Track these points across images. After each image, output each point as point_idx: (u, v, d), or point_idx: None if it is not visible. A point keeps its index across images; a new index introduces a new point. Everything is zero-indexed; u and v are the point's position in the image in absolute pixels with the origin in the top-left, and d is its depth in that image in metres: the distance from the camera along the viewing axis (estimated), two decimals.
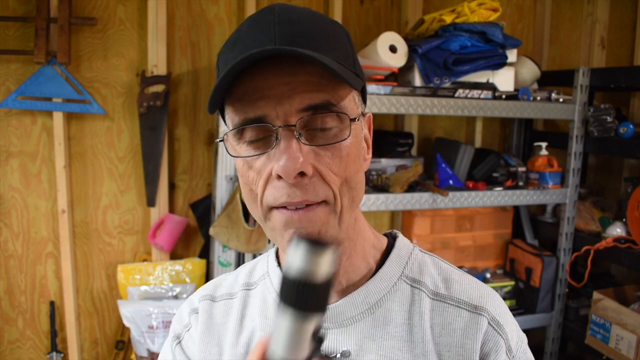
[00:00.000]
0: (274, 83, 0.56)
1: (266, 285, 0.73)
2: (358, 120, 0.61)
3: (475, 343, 0.63)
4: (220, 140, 0.62)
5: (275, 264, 0.73)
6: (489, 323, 0.65)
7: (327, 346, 0.66)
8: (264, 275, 0.75)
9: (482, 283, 0.71)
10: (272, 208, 0.59)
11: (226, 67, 0.57)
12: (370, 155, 0.68)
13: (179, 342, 0.77)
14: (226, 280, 0.79)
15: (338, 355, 0.65)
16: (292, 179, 0.55)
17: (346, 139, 0.58)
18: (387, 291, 0.67)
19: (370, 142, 0.68)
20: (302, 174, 0.56)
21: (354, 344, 0.65)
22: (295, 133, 0.56)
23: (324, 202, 0.58)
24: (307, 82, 0.56)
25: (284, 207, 0.58)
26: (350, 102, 0.60)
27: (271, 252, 0.76)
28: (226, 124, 0.63)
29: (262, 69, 0.56)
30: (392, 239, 0.73)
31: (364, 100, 0.66)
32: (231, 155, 0.61)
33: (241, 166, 0.61)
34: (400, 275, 0.68)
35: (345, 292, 0.67)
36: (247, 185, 0.61)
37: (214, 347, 0.73)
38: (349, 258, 0.66)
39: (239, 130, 0.59)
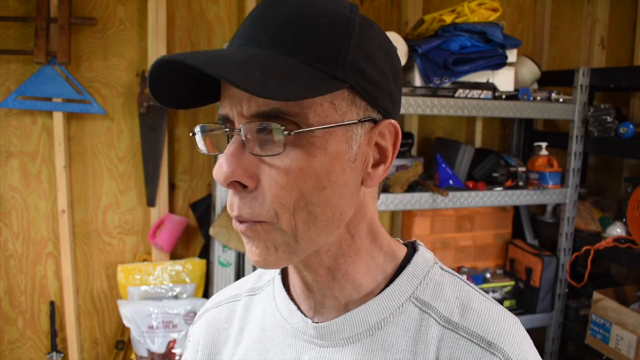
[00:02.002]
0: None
1: (269, 292, 0.70)
2: (332, 129, 0.53)
3: None
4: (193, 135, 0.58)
5: (279, 270, 0.70)
6: None
7: None
8: (270, 280, 0.71)
9: (506, 314, 0.61)
10: None
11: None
12: (379, 174, 0.58)
13: (185, 354, 0.78)
14: (237, 283, 0.77)
15: None
16: (225, 186, 0.52)
17: (279, 154, 0.51)
18: (391, 312, 0.60)
19: (388, 156, 0.59)
20: (242, 184, 0.52)
21: None
22: (241, 136, 0.52)
23: (264, 222, 0.53)
24: None
25: None
26: (321, 109, 0.52)
27: None
28: None
29: None
30: (411, 251, 0.65)
31: (378, 103, 0.56)
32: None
33: None
34: (410, 297, 0.60)
35: (346, 309, 0.61)
36: None
37: (211, 356, 0.72)
38: (345, 275, 0.60)
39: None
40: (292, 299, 0.65)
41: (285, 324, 0.65)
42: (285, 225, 0.53)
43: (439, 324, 0.59)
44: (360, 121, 0.55)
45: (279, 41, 0.51)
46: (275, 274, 0.70)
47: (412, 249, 0.66)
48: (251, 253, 0.56)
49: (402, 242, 0.68)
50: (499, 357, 0.56)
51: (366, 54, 0.54)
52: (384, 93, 0.56)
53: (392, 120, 0.58)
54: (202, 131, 0.57)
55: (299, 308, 0.64)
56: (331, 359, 0.60)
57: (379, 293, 0.61)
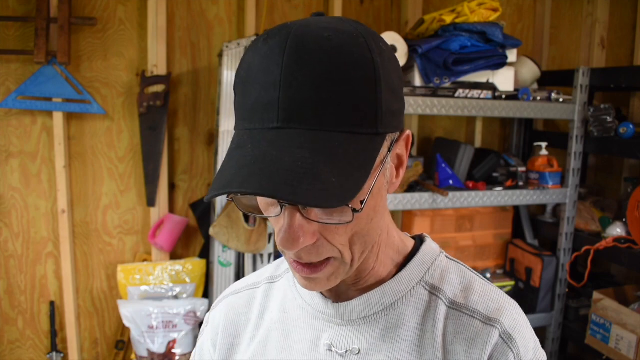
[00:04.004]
0: None
1: (289, 279, 0.74)
2: (383, 164, 0.57)
3: (483, 354, 0.62)
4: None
5: None
6: (500, 335, 0.63)
7: (337, 342, 0.67)
8: (288, 269, 0.76)
9: (505, 295, 0.68)
10: None
11: (239, 124, 0.56)
12: (400, 178, 0.63)
13: (200, 338, 0.81)
14: (254, 274, 0.82)
15: (348, 352, 0.66)
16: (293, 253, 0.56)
17: (350, 221, 0.55)
18: (404, 295, 0.66)
19: (404, 159, 0.63)
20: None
21: (365, 343, 0.66)
22: (299, 206, 0.54)
23: (332, 258, 0.59)
24: None
25: None
26: None
27: None
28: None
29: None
30: (419, 243, 0.72)
31: (401, 125, 0.60)
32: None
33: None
34: (420, 281, 0.67)
35: (363, 292, 0.67)
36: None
37: (230, 339, 0.75)
38: (372, 270, 0.67)
39: None
40: None
41: (306, 306, 0.70)
42: (347, 258, 0.59)
43: (446, 304, 0.66)
44: (389, 150, 0.58)
45: (320, 117, 0.51)
46: None
47: (419, 241, 0.73)
48: (307, 286, 0.61)
49: (409, 235, 0.74)
50: (497, 328, 0.63)
51: (392, 89, 0.56)
52: (403, 114, 0.60)
53: (408, 131, 0.62)
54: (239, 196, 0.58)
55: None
56: (349, 336, 0.67)
57: (391, 278, 0.67)
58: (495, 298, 0.66)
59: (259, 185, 0.48)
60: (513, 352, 0.62)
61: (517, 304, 0.68)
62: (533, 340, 0.66)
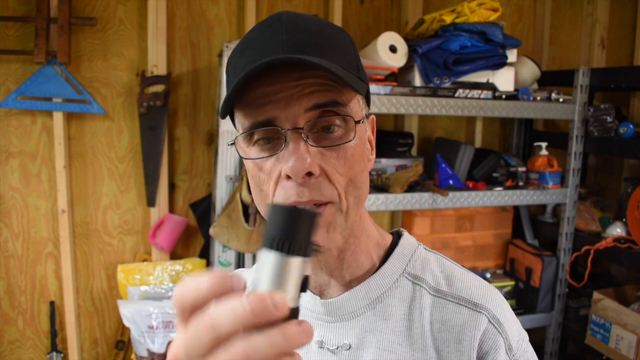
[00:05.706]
0: (282, 87, 0.59)
1: None
2: (362, 122, 0.63)
3: (474, 340, 0.64)
4: (232, 144, 0.64)
5: None
6: (489, 321, 0.65)
7: (328, 339, 0.68)
8: None
9: (485, 281, 0.71)
10: None
11: (236, 73, 0.60)
12: (374, 156, 0.70)
13: None
14: (237, 272, 0.81)
15: (339, 348, 0.68)
16: (300, 178, 0.58)
17: (351, 140, 0.60)
18: (389, 287, 0.68)
19: (373, 143, 0.70)
20: (309, 173, 0.59)
21: (355, 337, 0.67)
22: (303, 135, 0.59)
23: (330, 202, 0.61)
24: (314, 84, 0.59)
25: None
26: (355, 105, 0.63)
27: None
28: (236, 128, 0.65)
29: (271, 75, 0.59)
30: (397, 237, 0.75)
31: (368, 103, 0.68)
32: (242, 158, 0.64)
33: (252, 167, 0.63)
34: (402, 272, 0.70)
35: (348, 286, 0.69)
36: (257, 185, 0.64)
37: None
38: (353, 254, 0.68)
39: (249, 133, 0.62)
40: None
41: None
42: (344, 205, 0.62)
43: (430, 293, 0.68)
44: (366, 116, 0.67)
45: (321, 49, 0.60)
46: None
47: (397, 235, 0.76)
48: None
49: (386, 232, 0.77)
50: (485, 315, 0.66)
51: (360, 61, 0.67)
52: (369, 93, 0.68)
53: (372, 115, 0.70)
54: (248, 137, 0.62)
55: None
56: (339, 332, 0.68)
57: (375, 271, 0.69)
58: (477, 284, 0.69)
59: (284, 58, 0.55)
60: (502, 337, 0.65)
61: (497, 289, 0.71)
62: (516, 322, 0.69)
